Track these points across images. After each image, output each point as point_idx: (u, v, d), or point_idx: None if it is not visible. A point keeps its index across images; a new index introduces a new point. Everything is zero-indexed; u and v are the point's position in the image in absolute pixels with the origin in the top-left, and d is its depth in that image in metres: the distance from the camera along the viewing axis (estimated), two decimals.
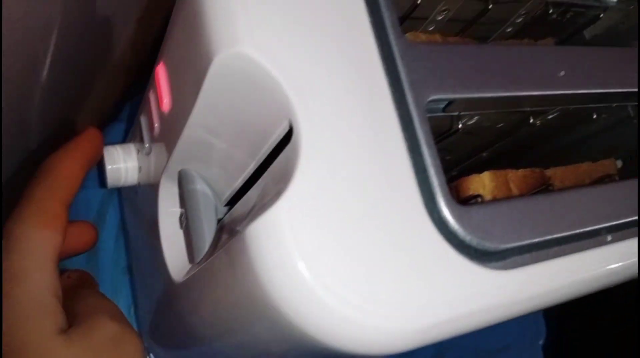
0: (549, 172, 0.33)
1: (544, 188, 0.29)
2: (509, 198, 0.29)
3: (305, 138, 0.19)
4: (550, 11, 0.33)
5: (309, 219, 0.19)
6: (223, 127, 0.24)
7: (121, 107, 0.54)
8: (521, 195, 0.30)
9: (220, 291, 0.23)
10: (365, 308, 0.18)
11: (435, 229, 0.21)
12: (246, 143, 0.24)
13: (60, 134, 0.58)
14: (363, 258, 0.19)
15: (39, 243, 0.25)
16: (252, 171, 0.25)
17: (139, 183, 0.36)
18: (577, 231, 0.24)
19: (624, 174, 0.38)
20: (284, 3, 0.21)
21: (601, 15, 0.37)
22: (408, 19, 0.31)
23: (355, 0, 0.23)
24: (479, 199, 0.26)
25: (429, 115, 0.23)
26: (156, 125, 0.30)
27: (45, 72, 0.46)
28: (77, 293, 0.28)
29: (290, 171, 0.19)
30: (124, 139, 0.49)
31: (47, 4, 0.40)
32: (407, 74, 0.22)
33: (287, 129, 0.21)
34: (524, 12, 0.34)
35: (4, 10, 0.30)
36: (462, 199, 0.28)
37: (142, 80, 0.72)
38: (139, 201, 0.37)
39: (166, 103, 0.28)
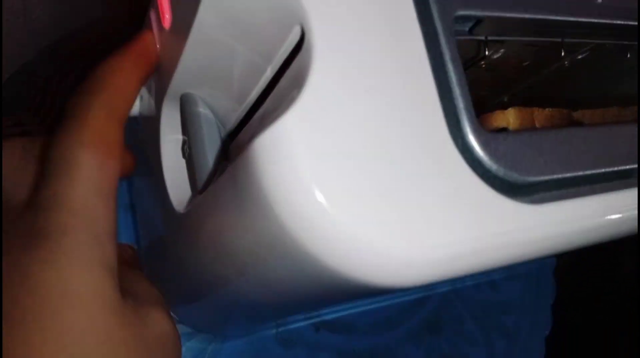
0: (577, 114, 0.31)
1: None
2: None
3: (318, 42, 0.17)
4: None
5: (322, 133, 0.17)
6: (227, 42, 0.22)
7: None
8: None
9: (225, 219, 0.21)
10: (386, 234, 0.17)
11: (460, 155, 0.19)
12: (253, 58, 0.22)
13: None
14: (381, 180, 0.17)
15: (101, 175, 0.21)
16: (259, 93, 0.23)
17: (140, 113, 0.34)
18: (609, 169, 0.22)
19: None
20: None
21: None
22: None
23: None
24: (507, 128, 0.24)
25: (457, 37, 0.21)
26: (157, 46, 0.28)
27: None
28: (130, 271, 0.25)
29: (302, 80, 0.17)
30: None
31: None
32: None
33: (298, 36, 0.19)
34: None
35: None
36: None
37: None
38: (140, 134, 0.35)
39: (167, 19, 0.25)
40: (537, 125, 0.28)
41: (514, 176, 0.20)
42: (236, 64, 0.23)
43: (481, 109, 0.37)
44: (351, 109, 0.17)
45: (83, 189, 0.21)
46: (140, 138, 0.35)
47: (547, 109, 0.29)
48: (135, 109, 0.34)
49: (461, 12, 0.21)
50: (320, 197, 0.16)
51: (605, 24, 0.25)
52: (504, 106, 0.37)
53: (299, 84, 0.18)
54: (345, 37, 0.18)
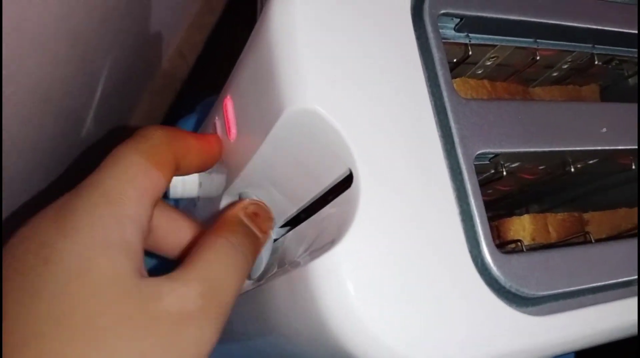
0: (587, 216, 0.35)
1: (581, 234, 0.30)
2: (547, 244, 0.31)
3: (364, 189, 0.22)
4: (596, 61, 0.35)
5: (365, 263, 0.21)
6: (285, 165, 0.27)
7: (194, 101, 0.56)
8: (559, 239, 0.32)
9: (278, 309, 0.25)
10: (414, 346, 0.21)
11: (479, 275, 0.23)
12: (306, 180, 0.27)
13: (110, 141, 0.62)
14: (412, 300, 0.21)
15: (144, 176, 0.24)
16: (308, 204, 0.28)
17: (198, 196, 0.39)
18: (611, 281, 0.26)
19: None
20: (348, 61, 0.24)
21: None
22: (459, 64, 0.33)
23: (412, 58, 0.25)
24: (519, 244, 0.28)
25: (475, 163, 0.25)
26: (221, 150, 0.33)
27: (101, 86, 0.50)
28: (223, 236, 0.25)
29: (350, 215, 0.22)
30: (195, 130, 0.52)
31: (108, 22, 0.43)
32: (457, 129, 0.25)
33: (346, 173, 0.23)
34: (570, 59, 0.36)
35: (71, 27, 0.32)
36: (502, 242, 0.29)
37: (193, 85, 0.75)
38: (197, 214, 0.40)
39: (233, 134, 0.30)
40: (551, 229, 0.32)
41: (524, 291, 0.23)
42: (289, 181, 0.28)
43: (499, 200, 0.41)
44: (390, 246, 0.21)
45: (122, 181, 0.23)
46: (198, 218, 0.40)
47: (559, 214, 0.32)
48: (193, 191, 0.39)
49: (482, 151, 0.25)
50: (363, 316, 0.20)
51: (609, 150, 0.29)
52: (521, 197, 0.41)
53: (346, 217, 0.22)
54: (387, 185, 0.22)
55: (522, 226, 0.31)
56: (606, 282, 0.26)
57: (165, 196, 0.39)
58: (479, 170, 0.28)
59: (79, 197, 0.23)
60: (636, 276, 0.27)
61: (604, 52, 0.35)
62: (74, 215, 0.22)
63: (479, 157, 0.26)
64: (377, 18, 0.25)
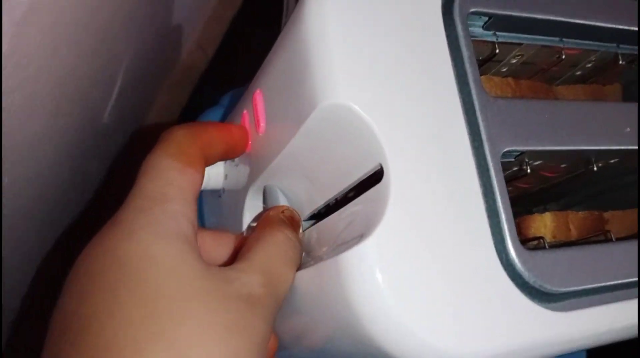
0: (607, 215, 0.35)
1: (601, 233, 0.31)
2: (568, 240, 0.31)
3: (394, 184, 0.22)
4: (620, 61, 0.35)
5: (394, 256, 0.21)
6: (314, 159, 0.27)
7: (215, 93, 0.57)
8: (580, 237, 0.33)
9: (308, 303, 0.26)
10: (441, 335, 0.21)
11: (503, 270, 0.23)
12: (334, 174, 0.27)
13: (130, 134, 0.63)
14: (440, 293, 0.22)
15: (180, 175, 0.25)
16: (336, 197, 0.28)
17: (223, 188, 0.40)
18: (632, 279, 0.26)
19: None
20: (380, 59, 0.24)
21: None
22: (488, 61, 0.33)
23: (442, 56, 0.26)
24: (542, 241, 0.28)
25: (502, 160, 0.26)
26: (249, 142, 0.34)
27: (124, 78, 0.51)
28: (268, 234, 0.27)
29: (380, 209, 0.22)
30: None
31: (133, 17, 0.44)
32: (485, 127, 0.25)
33: (376, 168, 0.24)
34: (594, 58, 0.36)
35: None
36: (524, 239, 0.30)
37: (212, 77, 0.76)
38: (222, 205, 0.40)
39: (262, 127, 0.31)
40: (572, 227, 0.32)
41: (547, 287, 0.24)
42: (317, 175, 0.28)
43: (518, 202, 0.41)
44: (419, 240, 0.22)
45: (162, 184, 0.24)
46: (222, 210, 0.41)
47: (580, 213, 0.33)
48: (218, 183, 0.39)
49: (508, 148, 0.25)
50: (392, 307, 0.21)
51: (633, 149, 0.29)
52: (542, 192, 0.41)
53: (376, 211, 0.23)
54: (417, 180, 0.23)
55: (543, 224, 0.31)
56: (627, 280, 0.26)
57: None
58: (503, 167, 0.28)
59: (126, 207, 0.24)
60: None
61: (628, 51, 0.35)
62: (126, 222, 0.23)
63: (505, 154, 0.26)
64: (408, 16, 0.26)
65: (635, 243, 0.27)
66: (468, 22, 0.28)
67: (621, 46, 0.35)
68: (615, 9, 0.32)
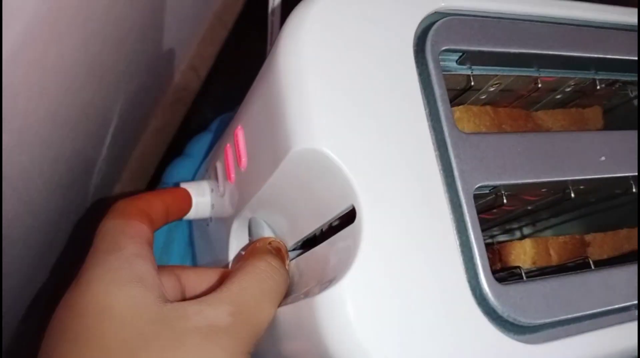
0: (589, 238, 0.35)
1: (581, 258, 0.31)
2: (548, 267, 0.32)
3: (366, 225, 0.23)
4: (598, 86, 0.36)
5: (367, 297, 0.22)
6: (291, 197, 0.28)
7: (207, 117, 0.58)
8: (560, 262, 0.33)
9: (287, 338, 0.26)
10: None
11: (477, 304, 0.24)
12: (311, 211, 0.28)
13: (123, 156, 0.63)
14: (413, 330, 0.22)
15: (126, 227, 0.27)
16: (312, 234, 0.29)
17: (210, 217, 0.40)
18: (609, 307, 0.27)
19: None
20: (353, 101, 0.25)
21: None
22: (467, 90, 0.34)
23: (414, 95, 0.26)
24: (518, 270, 0.29)
25: (476, 193, 0.26)
26: (232, 176, 0.34)
27: (118, 105, 0.52)
28: (251, 264, 0.27)
29: (353, 250, 0.23)
30: (208, 150, 0.54)
31: (123, 46, 0.44)
32: (457, 164, 0.26)
33: (349, 208, 0.25)
34: (572, 83, 0.37)
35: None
36: (502, 268, 0.30)
37: (204, 98, 0.77)
38: (210, 233, 0.41)
39: (244, 163, 0.31)
40: (552, 252, 0.33)
41: (521, 320, 0.24)
42: (296, 211, 0.29)
43: (500, 222, 0.42)
44: (392, 280, 0.23)
45: (111, 237, 0.27)
46: (210, 238, 0.41)
47: (560, 237, 0.33)
48: (206, 212, 0.40)
49: (481, 184, 0.26)
50: (366, 347, 0.21)
51: (608, 178, 0.30)
52: (519, 216, 0.42)
53: (350, 251, 0.23)
54: (389, 220, 0.23)
55: (523, 250, 0.32)
56: (605, 308, 0.26)
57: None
58: (480, 196, 0.29)
59: (85, 263, 0.26)
60: (636, 302, 0.28)
61: (605, 77, 0.36)
62: (84, 276, 0.25)
63: (480, 188, 0.27)
64: (381, 57, 0.26)
65: (612, 270, 0.28)
66: (442, 57, 0.29)
67: (598, 72, 0.35)
68: (590, 38, 0.33)
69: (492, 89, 0.35)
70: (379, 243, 0.23)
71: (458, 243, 0.25)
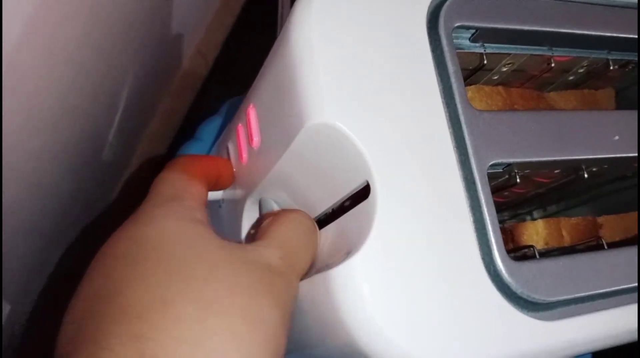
0: (600, 219, 0.35)
1: (593, 239, 0.31)
2: (560, 248, 0.31)
3: (380, 200, 0.23)
4: (611, 66, 0.35)
5: (381, 272, 0.22)
6: (305, 175, 0.28)
7: (216, 101, 0.58)
8: (573, 243, 0.33)
9: (303, 312, 0.26)
10: (427, 347, 0.22)
11: (491, 281, 0.24)
12: (324, 189, 0.28)
13: (133, 140, 0.63)
14: (427, 305, 0.22)
15: (188, 185, 0.28)
16: (327, 211, 0.29)
17: (222, 199, 0.40)
18: (621, 287, 0.27)
19: None
20: (366, 77, 0.25)
21: None
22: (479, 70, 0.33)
23: (428, 71, 0.26)
24: (531, 250, 0.29)
25: (489, 171, 0.26)
26: (244, 156, 0.34)
27: (122, 89, 0.52)
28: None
29: (367, 225, 0.23)
30: (219, 133, 0.54)
31: (131, 31, 0.44)
32: (471, 141, 0.25)
33: (363, 185, 0.25)
34: (585, 64, 0.36)
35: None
36: (515, 247, 0.30)
37: (212, 83, 0.77)
38: (222, 214, 0.41)
39: (256, 141, 0.31)
40: (564, 233, 0.33)
41: (535, 297, 0.24)
42: (309, 190, 0.29)
43: (512, 205, 0.42)
44: (405, 255, 0.22)
45: (173, 188, 0.27)
46: (222, 219, 0.41)
47: (572, 219, 0.33)
48: (219, 193, 0.40)
49: (495, 161, 0.26)
50: (379, 321, 0.22)
51: (622, 157, 0.29)
52: (533, 197, 0.42)
53: (364, 227, 0.23)
54: (403, 195, 0.23)
55: (535, 231, 0.32)
56: (616, 287, 0.26)
57: None
58: (493, 176, 0.28)
59: (143, 205, 0.26)
60: None
61: (619, 57, 0.36)
62: (145, 213, 0.25)
63: (493, 166, 0.27)
64: (394, 32, 0.26)
65: (624, 250, 0.28)
66: (455, 35, 0.29)
67: (612, 52, 0.35)
68: (603, 16, 0.32)
69: (504, 69, 0.35)
70: (393, 218, 0.23)
71: (472, 219, 0.25)
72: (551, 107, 0.36)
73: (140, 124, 0.66)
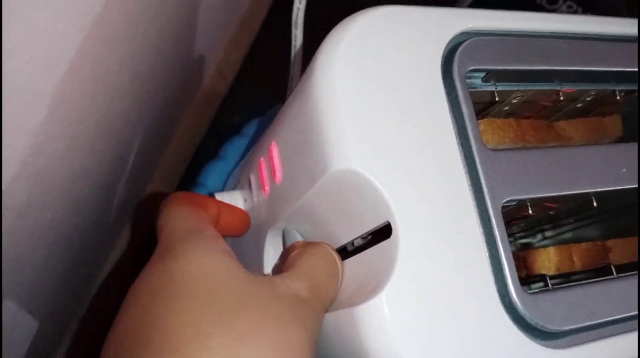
0: (610, 243, 0.37)
1: (603, 265, 0.32)
2: (572, 272, 0.33)
3: (402, 241, 0.25)
4: (617, 96, 0.37)
5: (405, 309, 0.24)
6: (327, 211, 0.30)
7: (244, 123, 0.60)
8: (584, 268, 0.34)
9: (329, 344, 0.28)
10: None
11: (506, 313, 0.26)
12: (347, 224, 0.29)
13: (155, 157, 0.65)
14: (448, 339, 0.24)
15: (200, 214, 0.29)
16: (349, 243, 0.31)
17: None
18: (629, 313, 0.28)
19: None
20: (386, 122, 0.27)
21: None
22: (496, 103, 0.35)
23: (443, 115, 0.28)
24: (545, 279, 0.30)
25: (504, 204, 0.28)
26: (267, 188, 0.36)
27: (149, 109, 0.54)
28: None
29: (391, 264, 0.25)
30: (243, 153, 0.56)
31: (160, 53, 0.46)
32: (486, 180, 0.27)
33: (385, 223, 0.26)
34: (593, 92, 0.38)
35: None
36: (528, 275, 0.32)
37: (232, 102, 0.79)
38: (243, 242, 0.43)
39: (279, 177, 0.33)
40: (575, 259, 0.34)
41: (549, 327, 0.26)
42: (330, 225, 0.31)
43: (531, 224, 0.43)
44: (427, 292, 0.24)
45: (186, 222, 0.29)
46: (244, 246, 0.43)
47: (583, 244, 0.35)
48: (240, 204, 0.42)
49: (509, 198, 0.27)
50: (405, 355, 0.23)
51: (629, 189, 0.31)
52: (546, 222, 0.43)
53: (387, 265, 0.25)
54: (423, 235, 0.25)
55: (547, 257, 0.33)
56: (626, 314, 0.28)
57: None
58: (507, 210, 0.30)
59: (164, 243, 0.27)
60: None
61: (625, 88, 0.37)
62: (171, 250, 0.26)
63: (507, 202, 0.28)
64: (410, 79, 0.28)
65: (631, 279, 0.29)
66: (468, 75, 0.30)
67: (618, 84, 0.37)
68: (607, 52, 0.34)
69: (515, 100, 0.36)
70: (415, 257, 0.25)
71: (488, 255, 0.26)
72: (560, 137, 0.38)
73: (162, 141, 0.68)
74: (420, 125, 0.27)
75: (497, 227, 0.27)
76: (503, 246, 0.26)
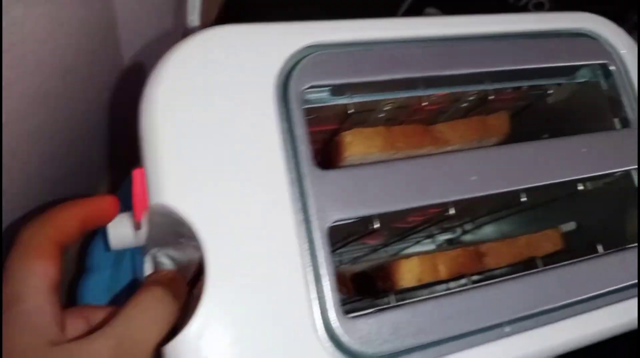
0: (484, 248, 0.37)
1: (464, 276, 0.32)
2: (437, 280, 0.33)
3: (211, 280, 0.25)
4: (491, 96, 0.36)
5: (212, 341, 0.24)
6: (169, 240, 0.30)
7: None
8: (451, 275, 0.34)
9: None
10: None
11: (327, 338, 0.26)
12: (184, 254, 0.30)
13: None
14: None
15: (30, 273, 0.28)
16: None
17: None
18: (460, 332, 0.28)
19: (576, 237, 0.40)
20: (206, 154, 0.26)
21: (549, 92, 0.39)
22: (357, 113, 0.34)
23: (272, 137, 0.28)
24: (388, 295, 0.30)
25: (342, 223, 0.28)
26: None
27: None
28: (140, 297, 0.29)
29: (200, 299, 0.25)
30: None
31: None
32: (314, 201, 0.27)
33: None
34: (474, 92, 0.37)
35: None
36: (383, 289, 0.32)
37: None
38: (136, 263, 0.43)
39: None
40: (441, 267, 0.34)
41: (368, 351, 0.26)
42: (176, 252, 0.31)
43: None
44: (238, 327, 0.25)
45: (14, 285, 0.28)
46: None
47: (452, 251, 0.35)
48: (131, 243, 0.42)
49: (337, 218, 0.27)
50: None
51: (479, 197, 0.31)
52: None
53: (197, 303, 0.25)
54: (236, 273, 0.25)
55: (407, 268, 0.33)
56: (454, 334, 0.28)
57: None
58: (354, 228, 0.30)
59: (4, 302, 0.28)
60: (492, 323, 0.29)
61: (500, 87, 0.37)
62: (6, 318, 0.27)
63: (336, 222, 0.28)
64: (241, 103, 0.28)
65: (469, 294, 0.29)
66: (313, 91, 0.30)
67: (493, 83, 0.36)
68: (468, 53, 0.33)
69: (387, 108, 0.36)
70: (223, 292, 0.25)
71: (313, 278, 0.26)
72: (437, 140, 0.38)
73: None
74: (246, 153, 0.27)
75: (323, 249, 0.27)
76: (327, 270, 0.26)
